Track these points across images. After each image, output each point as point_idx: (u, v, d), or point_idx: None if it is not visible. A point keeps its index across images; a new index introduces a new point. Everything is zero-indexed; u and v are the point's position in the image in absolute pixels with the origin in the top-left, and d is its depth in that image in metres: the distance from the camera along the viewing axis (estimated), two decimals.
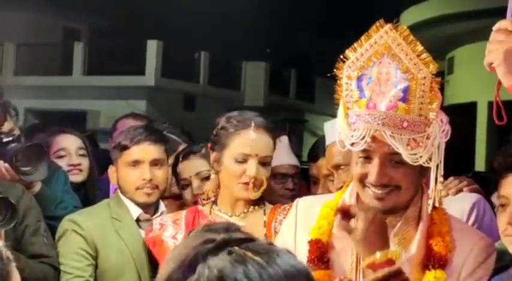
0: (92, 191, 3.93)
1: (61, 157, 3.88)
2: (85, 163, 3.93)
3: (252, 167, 2.82)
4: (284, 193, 3.63)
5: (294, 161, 3.71)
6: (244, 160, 2.83)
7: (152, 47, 23.45)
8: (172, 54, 23.77)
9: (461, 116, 15.19)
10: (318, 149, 3.39)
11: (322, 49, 30.65)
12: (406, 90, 2.13)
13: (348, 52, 2.21)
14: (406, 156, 2.15)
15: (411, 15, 17.44)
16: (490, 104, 16.50)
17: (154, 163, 3.22)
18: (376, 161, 2.21)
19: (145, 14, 25.44)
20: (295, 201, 2.59)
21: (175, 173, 3.49)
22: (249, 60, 26.81)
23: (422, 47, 2.13)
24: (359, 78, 2.18)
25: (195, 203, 3.12)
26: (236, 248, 1.40)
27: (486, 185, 2.97)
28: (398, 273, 2.07)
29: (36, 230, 3.10)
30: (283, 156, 3.59)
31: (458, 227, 2.34)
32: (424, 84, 2.12)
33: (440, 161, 2.20)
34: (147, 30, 23.87)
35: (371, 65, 2.16)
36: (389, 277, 2.05)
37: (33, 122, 13.46)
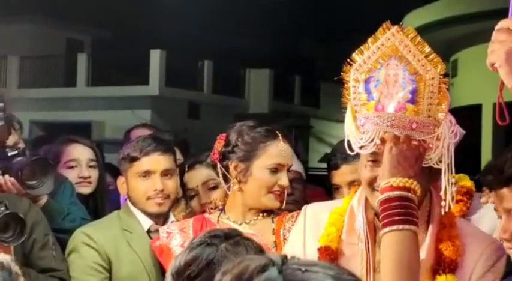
0: (100, 202, 3.89)
1: (71, 167, 3.85)
2: (94, 174, 3.89)
3: (284, 177, 2.88)
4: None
5: (294, 166, 3.70)
6: (276, 170, 2.86)
7: (155, 57, 23.47)
8: (175, 63, 23.79)
9: (466, 118, 15.17)
10: (337, 156, 3.35)
11: (326, 55, 30.69)
12: (414, 92, 2.11)
13: (355, 55, 2.20)
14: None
15: (415, 18, 17.42)
16: (495, 106, 16.35)
17: (165, 173, 3.22)
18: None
19: (148, 24, 25.48)
20: (303, 208, 2.60)
21: (181, 183, 3.49)
22: (253, 68, 26.82)
23: (429, 48, 2.12)
24: (366, 81, 2.17)
25: (203, 212, 3.12)
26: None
27: None
28: (411, 200, 2.08)
29: (44, 244, 3.08)
30: None
31: (468, 231, 2.33)
32: (432, 85, 2.11)
33: (451, 162, 2.18)
34: (150, 40, 23.90)
35: (378, 67, 2.15)
36: (401, 199, 2.06)
37: (38, 134, 13.48)
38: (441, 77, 2.12)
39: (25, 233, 2.82)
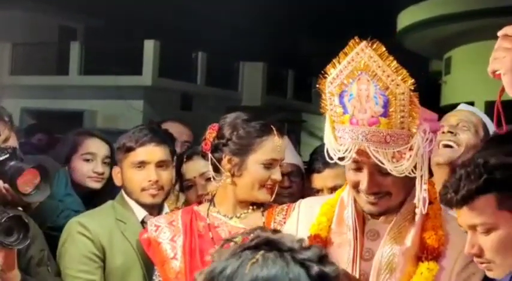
0: (106, 198, 3.90)
1: (87, 160, 3.85)
2: (107, 171, 3.89)
3: (277, 172, 2.88)
4: (280, 191, 3.64)
5: (290, 159, 3.70)
6: (270, 165, 2.87)
7: (149, 47, 23.43)
8: (169, 54, 23.75)
9: None
10: (320, 160, 3.34)
11: (320, 50, 30.70)
12: (386, 106, 2.14)
13: (328, 69, 2.23)
14: (391, 169, 2.20)
15: (409, 16, 17.45)
16: (487, 104, 16.56)
17: (160, 164, 3.22)
18: (365, 172, 2.27)
19: (143, 14, 25.42)
20: (298, 202, 2.67)
21: (178, 174, 3.49)
22: (247, 61, 26.82)
23: (397, 64, 2.14)
24: (341, 95, 2.21)
25: (199, 203, 3.11)
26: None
27: None
28: None
29: (40, 259, 3.06)
30: None
31: (453, 222, 2.36)
32: (403, 99, 2.14)
33: (425, 171, 2.24)
34: (144, 30, 23.85)
35: (350, 82, 2.17)
36: None
37: (29, 122, 13.46)
38: (411, 91, 2.14)
39: (29, 238, 2.80)
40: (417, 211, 2.27)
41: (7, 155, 3.04)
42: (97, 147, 3.89)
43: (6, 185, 3.01)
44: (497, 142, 2.72)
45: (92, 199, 3.77)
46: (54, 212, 3.41)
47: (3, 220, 2.71)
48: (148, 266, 3.11)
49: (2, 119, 3.21)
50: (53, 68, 24.35)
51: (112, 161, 3.87)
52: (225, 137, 2.89)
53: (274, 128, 2.88)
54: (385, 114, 2.15)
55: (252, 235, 1.51)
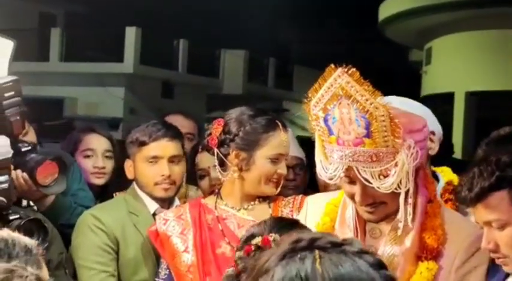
0: (112, 191, 3.89)
1: (87, 156, 3.92)
2: (110, 165, 3.95)
3: (283, 166, 2.96)
4: (285, 183, 3.68)
5: (295, 152, 3.74)
6: (277, 160, 2.93)
7: (131, 34, 23.33)
8: (151, 41, 23.67)
9: (438, 106, 15.27)
10: None
11: (301, 38, 30.69)
12: (368, 128, 2.20)
13: (310, 93, 2.29)
14: (379, 186, 2.26)
15: (390, 6, 17.47)
16: (467, 94, 16.54)
17: (172, 159, 3.26)
18: (358, 185, 2.32)
19: (124, 1, 25.30)
20: (306, 199, 2.80)
21: (193, 163, 3.55)
22: (228, 48, 26.79)
23: (373, 88, 2.19)
24: (325, 118, 2.27)
25: (211, 193, 3.17)
26: None
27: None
28: None
29: (59, 263, 3.10)
30: None
31: (452, 219, 2.44)
32: (383, 120, 2.19)
33: (410, 187, 2.30)
34: (125, 17, 23.73)
35: (332, 106, 2.23)
36: None
37: None
38: (389, 112, 2.19)
39: (47, 241, 2.81)
40: (400, 225, 2.35)
41: (29, 148, 3.08)
42: (96, 142, 3.95)
43: (25, 175, 3.05)
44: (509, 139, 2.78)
45: (101, 195, 3.83)
46: (68, 211, 3.44)
47: (22, 223, 2.73)
48: (160, 259, 3.13)
49: (26, 118, 3.24)
50: (33, 54, 24.19)
51: (114, 155, 3.94)
52: (232, 132, 2.93)
53: (279, 124, 2.95)
54: (368, 135, 2.21)
55: (291, 238, 1.52)
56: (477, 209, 2.23)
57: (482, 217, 2.22)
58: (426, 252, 2.36)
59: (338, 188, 2.61)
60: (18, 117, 2.97)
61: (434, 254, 2.36)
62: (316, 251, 1.46)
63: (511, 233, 2.18)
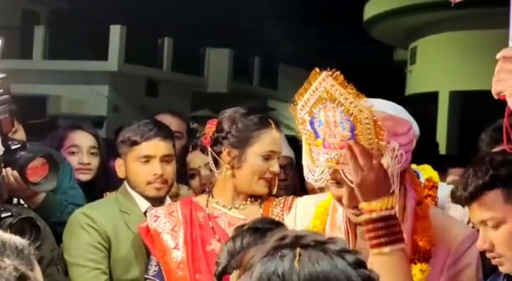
0: (99, 188, 3.92)
1: (72, 153, 3.93)
2: (95, 161, 3.97)
3: (276, 164, 2.97)
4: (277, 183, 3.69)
5: (285, 152, 3.75)
6: (269, 157, 2.95)
7: (115, 32, 23.30)
8: (135, 39, 23.64)
9: (423, 105, 15.32)
10: None
11: (286, 37, 30.72)
12: (352, 130, 2.22)
13: (296, 96, 2.30)
14: None
15: (375, 6, 17.52)
16: (451, 93, 16.58)
17: (164, 158, 3.27)
18: (345, 188, 2.33)
19: None
20: (295, 202, 2.79)
21: (183, 162, 3.57)
22: (213, 47, 26.79)
23: (357, 91, 2.20)
24: (311, 122, 2.29)
25: (202, 191, 3.19)
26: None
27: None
28: (393, 217, 2.18)
29: (51, 260, 3.09)
30: None
31: (441, 221, 2.46)
32: (367, 123, 2.20)
33: (396, 189, 2.29)
34: (110, 14, 23.67)
35: (318, 110, 2.25)
36: (383, 219, 2.17)
37: None
38: (373, 116, 2.21)
39: (40, 240, 2.80)
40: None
41: (18, 145, 3.07)
42: (81, 139, 3.97)
43: (15, 173, 3.05)
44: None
45: (87, 191, 3.81)
46: (59, 208, 3.43)
47: (14, 221, 2.74)
48: (150, 256, 3.14)
49: (15, 117, 3.23)
50: (16, 52, 24.08)
51: (100, 152, 3.97)
52: (225, 130, 2.96)
53: (272, 122, 2.97)
54: (353, 138, 2.22)
55: (277, 235, 1.53)
56: (472, 208, 2.25)
57: (478, 216, 2.25)
58: (419, 254, 2.38)
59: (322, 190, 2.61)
60: (7, 115, 2.98)
61: (427, 256, 2.38)
62: (298, 249, 1.46)
63: (506, 232, 2.21)
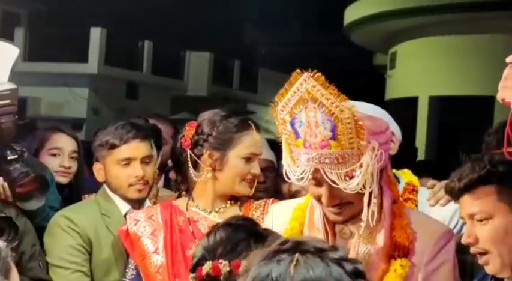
0: (76, 192, 3.94)
1: (54, 155, 3.92)
2: (75, 166, 3.96)
3: (257, 166, 2.98)
4: (256, 186, 3.68)
5: (265, 154, 3.75)
6: (250, 159, 2.96)
7: (96, 35, 23.23)
8: (115, 42, 23.59)
9: (402, 110, 15.38)
10: None
11: (266, 40, 30.75)
12: (333, 130, 2.26)
13: (277, 97, 2.33)
14: (344, 187, 2.32)
15: (355, 10, 17.57)
16: (431, 99, 16.59)
17: (145, 159, 3.26)
18: (325, 187, 2.38)
19: (89, 1, 25.15)
20: (270, 207, 2.85)
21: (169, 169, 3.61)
22: (193, 50, 26.77)
23: (338, 91, 2.25)
24: (291, 122, 2.33)
25: (179, 196, 3.17)
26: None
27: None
28: None
29: (32, 255, 3.09)
30: None
31: (417, 219, 2.52)
32: (348, 123, 2.26)
33: (374, 187, 2.37)
34: (90, 17, 23.61)
35: (299, 110, 2.29)
36: None
37: None
38: (354, 116, 2.26)
39: (17, 239, 2.79)
40: (362, 224, 2.40)
41: (15, 156, 3.07)
42: (64, 142, 3.96)
43: (5, 184, 3.05)
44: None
45: (62, 194, 3.82)
46: (40, 215, 3.40)
47: None
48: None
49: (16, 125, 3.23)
50: None
51: (78, 156, 3.97)
52: (205, 133, 2.95)
53: (252, 124, 2.97)
54: (334, 137, 2.27)
55: (279, 239, 1.57)
56: (463, 200, 2.29)
57: (467, 209, 2.28)
58: (398, 250, 2.43)
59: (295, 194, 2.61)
60: (10, 125, 2.98)
61: (406, 252, 2.43)
62: (296, 255, 1.48)
63: (492, 228, 2.24)
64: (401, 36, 17.00)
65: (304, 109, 2.26)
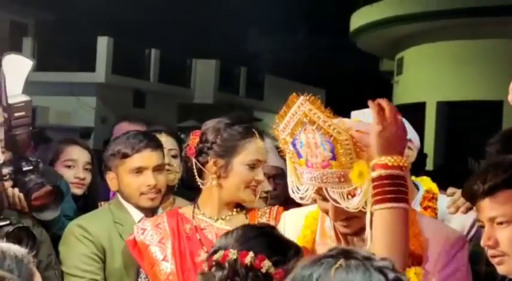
0: (91, 202, 3.97)
1: (68, 166, 3.99)
2: (89, 177, 4.03)
3: (261, 173, 2.98)
4: (266, 194, 3.68)
5: (275, 162, 3.75)
6: (254, 166, 2.96)
7: (103, 44, 23.29)
8: (122, 51, 23.64)
9: (410, 115, 15.38)
10: None
11: (272, 47, 30.77)
12: (333, 151, 2.28)
13: (277, 119, 2.38)
14: (346, 206, 2.32)
15: (362, 16, 17.58)
16: (438, 104, 16.61)
17: (157, 168, 3.29)
18: (330, 203, 2.37)
19: (96, 10, 25.24)
20: (282, 214, 2.85)
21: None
22: (199, 58, 26.81)
23: (332, 115, 2.28)
24: (293, 143, 2.36)
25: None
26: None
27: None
28: (401, 178, 2.22)
29: (48, 264, 3.11)
30: None
31: (429, 226, 2.51)
32: (347, 144, 2.27)
33: None
34: (97, 26, 23.69)
35: (298, 132, 2.32)
36: (392, 178, 2.20)
37: None
38: (353, 137, 2.28)
39: (35, 249, 2.81)
40: (367, 242, 2.38)
41: (30, 167, 3.10)
42: (78, 154, 4.03)
43: (21, 195, 3.07)
44: None
45: (77, 205, 3.88)
46: (56, 225, 3.42)
47: (12, 230, 2.78)
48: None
49: (31, 137, 3.26)
50: None
51: (92, 167, 4.03)
52: (210, 140, 2.97)
53: (256, 131, 2.99)
54: (334, 158, 2.28)
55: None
56: (484, 203, 2.27)
57: (487, 213, 2.26)
58: (412, 259, 2.42)
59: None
60: (25, 137, 3.02)
61: (419, 260, 2.43)
62: (341, 259, 1.50)
63: None
64: (407, 41, 17.01)
65: (303, 131, 2.29)
